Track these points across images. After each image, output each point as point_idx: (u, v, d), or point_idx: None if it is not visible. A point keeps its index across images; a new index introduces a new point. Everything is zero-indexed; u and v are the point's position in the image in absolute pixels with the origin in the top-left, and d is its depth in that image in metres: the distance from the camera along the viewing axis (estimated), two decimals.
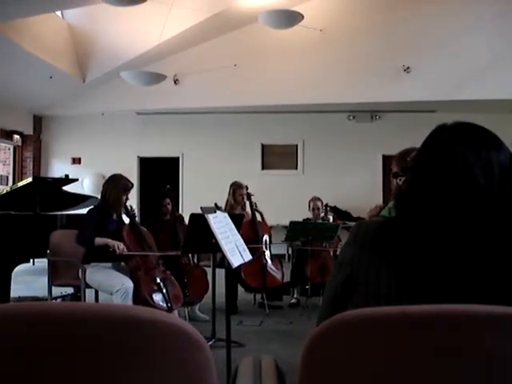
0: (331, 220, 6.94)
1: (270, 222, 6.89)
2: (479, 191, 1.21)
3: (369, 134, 11.83)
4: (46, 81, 9.79)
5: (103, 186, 4.93)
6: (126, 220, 5.06)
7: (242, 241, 4.04)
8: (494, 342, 0.98)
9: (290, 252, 8.72)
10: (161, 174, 11.34)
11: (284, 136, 12.12)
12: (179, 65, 10.63)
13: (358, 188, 11.21)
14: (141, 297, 4.43)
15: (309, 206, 6.87)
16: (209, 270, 5.24)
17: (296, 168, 12.31)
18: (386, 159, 11.37)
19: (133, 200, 5.04)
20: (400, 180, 2.68)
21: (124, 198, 4.81)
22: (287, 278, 6.43)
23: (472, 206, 1.21)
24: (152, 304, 4.41)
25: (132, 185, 4.95)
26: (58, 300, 5.80)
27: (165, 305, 4.54)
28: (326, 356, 1.02)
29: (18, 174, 12.12)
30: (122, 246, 4.60)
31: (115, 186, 4.80)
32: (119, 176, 4.90)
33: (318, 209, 6.77)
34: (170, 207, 5.78)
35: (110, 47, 9.85)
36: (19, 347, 0.96)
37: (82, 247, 4.68)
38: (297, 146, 12.28)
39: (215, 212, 3.97)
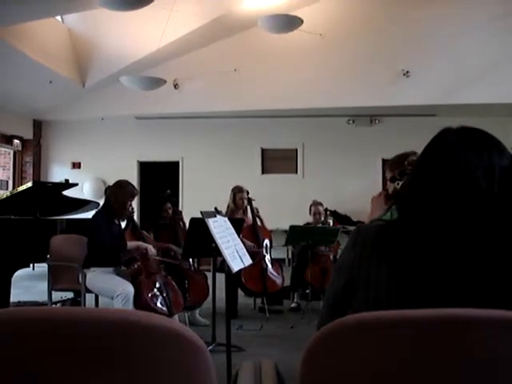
0: (331, 224, 6.93)
1: (269, 226, 6.89)
2: (480, 194, 1.21)
3: (368, 138, 11.84)
4: (46, 85, 9.81)
5: (106, 191, 4.95)
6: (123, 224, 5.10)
7: (242, 245, 4.04)
8: (494, 345, 0.98)
9: (290, 256, 8.71)
10: (161, 179, 11.34)
11: (284, 140, 12.13)
12: (179, 69, 10.65)
13: (357, 192, 11.19)
14: (142, 301, 4.43)
15: (310, 211, 6.87)
16: (209, 275, 5.24)
17: (296, 172, 12.31)
18: (386, 163, 11.35)
19: (133, 204, 5.06)
20: (398, 184, 2.68)
21: (129, 204, 4.82)
22: (287, 283, 6.42)
23: (472, 209, 1.21)
24: (153, 308, 4.41)
25: (137, 192, 4.97)
26: (58, 305, 5.80)
27: (165, 309, 4.54)
28: (327, 360, 1.02)
29: (18, 178, 12.12)
30: (153, 248, 4.68)
31: (121, 192, 4.79)
32: (125, 182, 4.90)
33: (319, 213, 6.77)
34: (170, 212, 5.79)
35: (110, 52, 9.87)
36: (19, 352, 0.96)
37: (91, 248, 4.67)
38: (296, 150, 12.29)
39: (215, 216, 3.97)
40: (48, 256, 4.93)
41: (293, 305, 6.40)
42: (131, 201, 4.86)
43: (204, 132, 12.16)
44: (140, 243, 4.75)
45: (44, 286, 5.28)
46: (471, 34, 9.72)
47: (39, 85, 9.82)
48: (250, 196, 6.41)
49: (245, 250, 4.03)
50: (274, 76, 10.36)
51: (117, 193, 4.81)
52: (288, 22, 8.24)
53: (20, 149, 12.13)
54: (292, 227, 6.13)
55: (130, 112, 11.44)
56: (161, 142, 12.25)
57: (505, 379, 0.99)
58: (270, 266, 6.21)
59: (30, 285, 7.84)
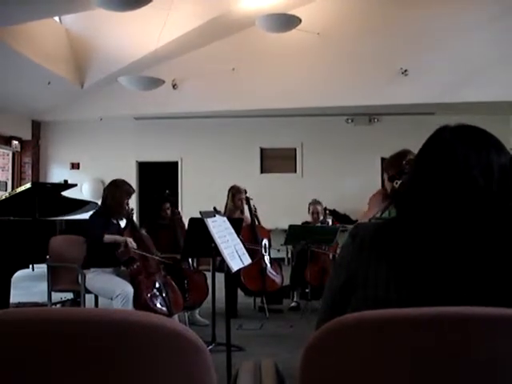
0: (330, 223, 6.93)
1: (268, 225, 6.88)
2: (478, 192, 1.21)
3: (367, 136, 11.85)
4: (44, 86, 9.80)
5: (104, 191, 4.96)
6: (123, 224, 5.09)
7: (241, 245, 4.04)
8: (493, 343, 0.98)
9: (289, 256, 8.72)
10: (160, 179, 11.35)
11: (283, 139, 12.13)
12: (177, 69, 10.65)
13: (356, 191, 11.18)
14: (141, 301, 4.43)
15: (308, 210, 6.86)
16: (208, 275, 5.24)
17: (295, 171, 12.32)
18: (384, 162, 11.34)
19: (132, 204, 5.06)
20: (396, 183, 2.68)
21: (125, 202, 4.83)
22: (287, 282, 6.43)
23: (471, 207, 1.21)
24: (152, 308, 4.41)
25: (133, 190, 4.97)
26: (58, 305, 5.79)
27: (165, 309, 4.54)
28: (326, 359, 1.03)
29: (17, 179, 12.11)
30: (133, 241, 4.66)
31: (117, 190, 4.82)
32: (121, 181, 4.93)
33: (318, 213, 6.76)
34: (169, 212, 5.80)
35: (108, 52, 9.86)
36: (19, 352, 0.96)
37: (90, 248, 4.68)
38: (295, 149, 12.29)
39: (214, 216, 3.97)
40: (47, 257, 4.93)
41: (292, 304, 6.40)
42: (128, 199, 4.87)
43: (203, 132, 12.17)
44: (118, 237, 4.70)
45: (44, 286, 5.27)
46: (470, 33, 9.72)
47: (37, 85, 9.81)
48: (247, 195, 6.42)
49: (244, 249, 4.03)
50: (272, 75, 10.35)
51: (113, 192, 4.82)
52: (286, 22, 8.24)
53: (19, 150, 12.13)
54: (291, 226, 6.13)
55: (128, 112, 11.43)
56: (159, 142, 12.25)
57: (504, 377, 0.99)
58: (269, 265, 6.21)
59: (29, 286, 7.84)
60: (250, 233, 6.18)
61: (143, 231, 5.21)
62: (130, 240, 4.68)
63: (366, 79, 10.11)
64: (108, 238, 4.63)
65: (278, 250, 7.57)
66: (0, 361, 0.96)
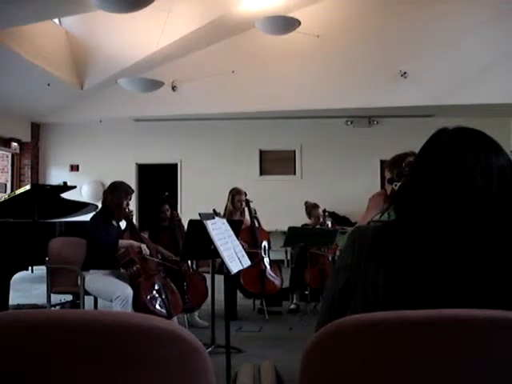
0: (329, 225, 6.93)
1: (268, 227, 6.88)
2: (477, 193, 1.21)
3: (367, 139, 11.85)
4: (44, 88, 9.80)
5: (104, 194, 4.97)
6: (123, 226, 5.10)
7: (240, 247, 4.04)
8: (493, 346, 0.98)
9: (288, 258, 8.72)
10: (159, 181, 11.35)
11: (282, 142, 12.14)
12: (177, 71, 10.65)
13: (356, 193, 11.18)
14: (140, 303, 4.43)
15: (309, 214, 6.83)
16: (208, 277, 5.24)
17: (294, 173, 12.32)
18: (384, 164, 11.35)
19: (131, 206, 5.07)
20: (396, 185, 2.67)
21: (125, 203, 4.84)
22: (286, 284, 6.42)
23: (470, 209, 1.21)
24: (152, 310, 4.40)
25: (132, 190, 4.99)
26: (57, 307, 5.79)
27: (164, 311, 4.54)
28: (326, 361, 1.03)
29: (17, 181, 12.12)
30: (147, 248, 4.67)
31: (116, 192, 4.84)
32: (120, 182, 4.95)
33: (319, 217, 6.76)
34: (168, 213, 5.80)
35: (108, 54, 9.86)
36: (18, 354, 0.96)
37: (90, 250, 4.68)
38: (295, 151, 12.29)
39: (213, 218, 3.97)
40: (47, 258, 4.93)
41: (292, 306, 6.40)
42: (127, 200, 4.87)
43: (202, 134, 12.17)
44: (132, 242, 4.73)
45: (43, 288, 5.27)
46: (469, 35, 9.73)
47: (37, 87, 9.81)
48: (247, 197, 6.42)
49: (243, 251, 4.03)
50: (271, 77, 10.36)
51: (112, 194, 4.84)
52: (285, 24, 8.25)
53: (18, 151, 12.13)
54: (291, 228, 6.13)
55: (128, 114, 11.43)
56: (159, 144, 12.25)
57: (505, 380, 0.99)
58: (268, 267, 6.20)
59: (28, 287, 7.83)
60: (249, 235, 6.18)
61: (145, 234, 5.22)
62: (144, 246, 4.70)
63: (366, 81, 10.11)
64: (122, 243, 4.65)
65: (286, 252, 7.58)
66: None
